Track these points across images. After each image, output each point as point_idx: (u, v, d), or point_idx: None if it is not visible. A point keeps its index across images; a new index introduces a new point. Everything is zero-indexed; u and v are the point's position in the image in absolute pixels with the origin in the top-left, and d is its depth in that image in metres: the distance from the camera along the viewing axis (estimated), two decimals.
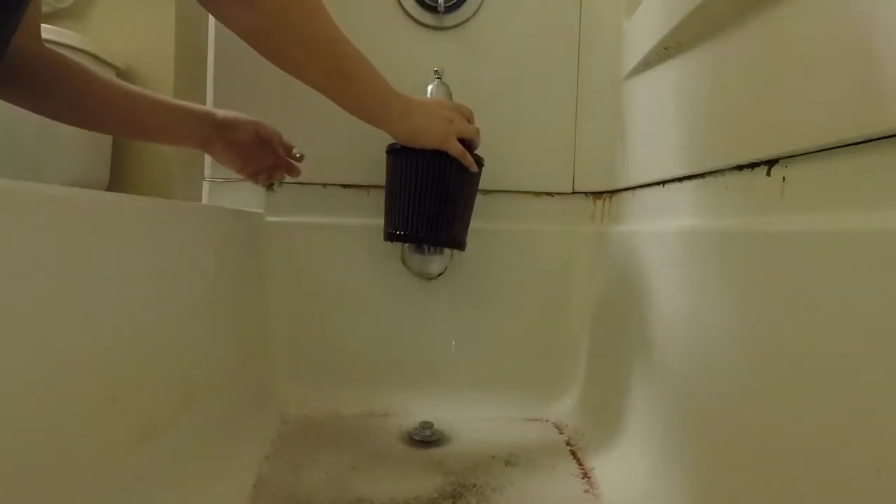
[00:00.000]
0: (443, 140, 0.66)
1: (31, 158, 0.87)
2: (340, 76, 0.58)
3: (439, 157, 0.68)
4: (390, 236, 0.74)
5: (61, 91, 0.62)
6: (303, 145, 0.79)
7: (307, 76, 0.58)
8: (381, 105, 0.62)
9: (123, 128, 0.69)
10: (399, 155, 0.71)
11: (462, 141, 0.68)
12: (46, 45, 0.61)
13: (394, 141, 0.70)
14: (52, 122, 0.62)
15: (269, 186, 0.89)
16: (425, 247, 0.91)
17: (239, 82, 0.90)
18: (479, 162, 0.72)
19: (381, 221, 0.78)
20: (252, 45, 0.55)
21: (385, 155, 0.74)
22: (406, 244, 0.88)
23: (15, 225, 0.30)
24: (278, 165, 0.75)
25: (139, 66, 1.29)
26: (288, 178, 0.81)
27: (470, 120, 0.71)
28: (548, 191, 0.97)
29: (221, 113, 0.69)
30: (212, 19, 0.91)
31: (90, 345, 0.36)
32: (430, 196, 0.69)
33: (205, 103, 0.95)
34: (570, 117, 0.96)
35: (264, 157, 0.73)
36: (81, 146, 1.01)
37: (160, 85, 1.29)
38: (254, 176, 0.75)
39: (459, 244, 0.76)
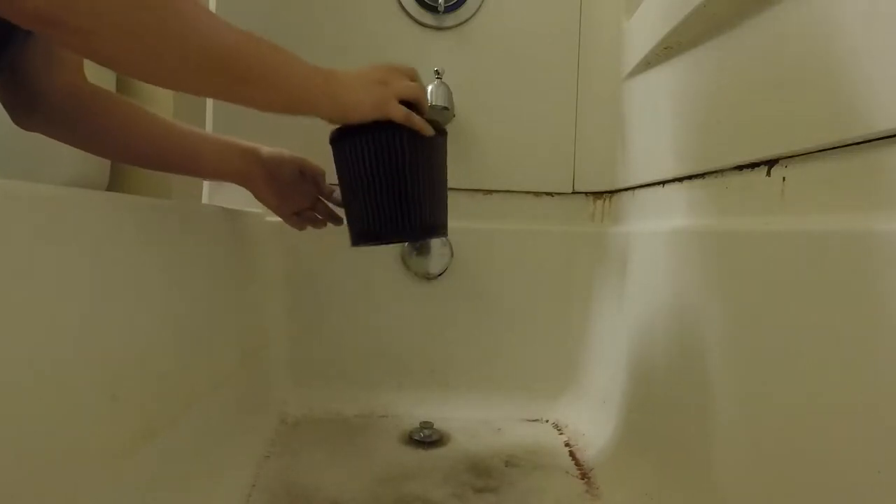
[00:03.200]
0: (378, 105, 0.55)
1: (31, 158, 0.87)
2: (236, 83, 0.48)
3: (385, 132, 0.56)
4: (356, 240, 0.62)
5: (104, 127, 0.61)
6: (303, 145, 0.78)
7: (187, 88, 0.47)
8: (302, 92, 0.52)
9: (165, 163, 0.66)
10: (341, 143, 0.59)
11: (408, 105, 0.57)
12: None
13: (334, 128, 0.60)
14: None
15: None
16: (422, 244, 0.91)
17: None
18: (436, 127, 0.60)
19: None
20: (71, 46, 0.43)
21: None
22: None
23: (15, 225, 0.30)
24: (316, 208, 0.73)
25: None
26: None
27: (413, 79, 0.59)
28: (548, 191, 0.97)
29: (266, 149, 0.68)
30: None
31: (90, 345, 0.36)
32: (386, 182, 0.57)
33: (203, 105, 0.95)
34: (570, 117, 0.96)
35: (304, 198, 0.71)
36: None
37: None
38: (291, 217, 0.72)
39: (436, 231, 0.62)
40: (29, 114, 0.58)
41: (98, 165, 0.97)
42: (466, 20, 0.94)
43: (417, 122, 0.57)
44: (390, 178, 0.57)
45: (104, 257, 0.38)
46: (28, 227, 0.31)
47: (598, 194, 0.97)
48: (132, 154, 0.65)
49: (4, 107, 0.58)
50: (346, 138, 0.58)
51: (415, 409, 0.88)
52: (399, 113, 0.56)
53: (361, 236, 0.61)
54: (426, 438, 0.79)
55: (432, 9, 0.92)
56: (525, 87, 0.96)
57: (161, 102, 1.00)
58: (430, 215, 0.60)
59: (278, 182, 0.68)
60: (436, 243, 0.92)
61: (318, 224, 0.74)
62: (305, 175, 0.70)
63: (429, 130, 0.58)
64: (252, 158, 0.67)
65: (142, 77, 0.45)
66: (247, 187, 0.69)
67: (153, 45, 0.41)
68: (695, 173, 0.63)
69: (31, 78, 0.56)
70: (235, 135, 0.67)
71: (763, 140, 0.50)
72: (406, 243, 0.91)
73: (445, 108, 0.89)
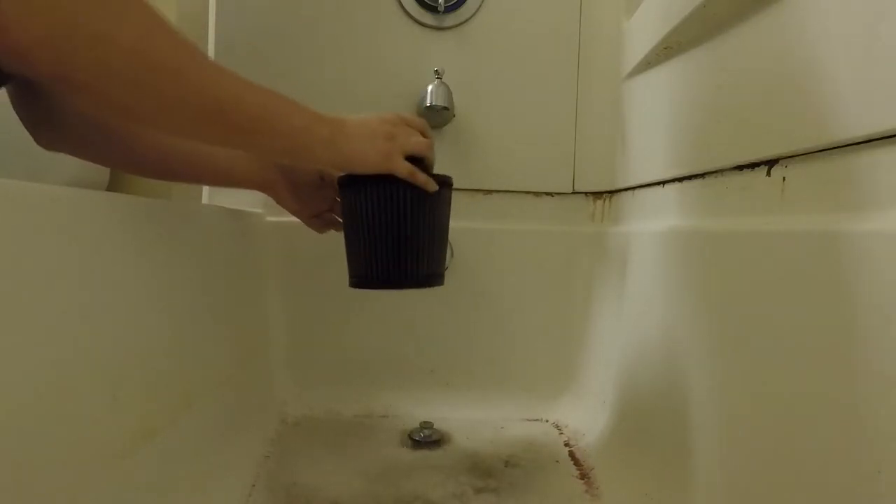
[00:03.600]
0: (383, 160, 0.56)
1: (31, 158, 0.87)
2: (237, 133, 0.48)
3: (389, 185, 0.57)
4: (354, 284, 0.63)
5: (123, 140, 0.60)
6: None
7: (189, 136, 0.48)
8: (304, 141, 0.52)
9: (187, 174, 0.66)
10: (346, 189, 0.61)
11: (414, 160, 0.58)
12: None
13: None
14: None
15: None
16: None
17: None
18: (441, 181, 0.60)
19: None
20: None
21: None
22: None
23: (15, 225, 0.30)
24: (335, 210, 0.73)
25: None
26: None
27: (423, 133, 0.61)
28: (548, 191, 0.97)
29: None
30: (212, 18, 0.91)
31: (90, 345, 0.36)
32: (388, 233, 0.58)
33: None
34: (570, 117, 0.96)
35: (323, 201, 0.71)
36: None
37: None
38: (311, 220, 0.72)
39: (433, 281, 0.63)
40: (50, 130, 0.58)
41: (98, 166, 0.96)
42: (466, 20, 0.94)
43: (421, 179, 0.58)
44: (392, 230, 0.58)
45: (104, 257, 0.38)
46: (28, 227, 0.31)
47: (598, 194, 0.97)
48: (149, 167, 0.64)
49: (24, 125, 0.57)
50: (352, 185, 0.59)
51: (415, 409, 0.88)
52: (403, 170, 0.56)
53: (360, 281, 0.62)
54: (426, 438, 0.79)
55: (432, 9, 0.92)
56: (525, 87, 0.96)
57: None
58: (427, 267, 0.61)
59: (298, 187, 0.68)
60: None
61: (339, 227, 0.74)
62: (325, 179, 0.70)
63: (432, 187, 0.59)
64: (271, 165, 0.67)
65: (144, 125, 0.46)
66: (268, 193, 0.69)
67: (154, 98, 0.42)
68: (695, 173, 0.63)
69: (48, 91, 0.55)
70: None
71: (763, 140, 0.50)
72: None
73: (445, 108, 0.88)
